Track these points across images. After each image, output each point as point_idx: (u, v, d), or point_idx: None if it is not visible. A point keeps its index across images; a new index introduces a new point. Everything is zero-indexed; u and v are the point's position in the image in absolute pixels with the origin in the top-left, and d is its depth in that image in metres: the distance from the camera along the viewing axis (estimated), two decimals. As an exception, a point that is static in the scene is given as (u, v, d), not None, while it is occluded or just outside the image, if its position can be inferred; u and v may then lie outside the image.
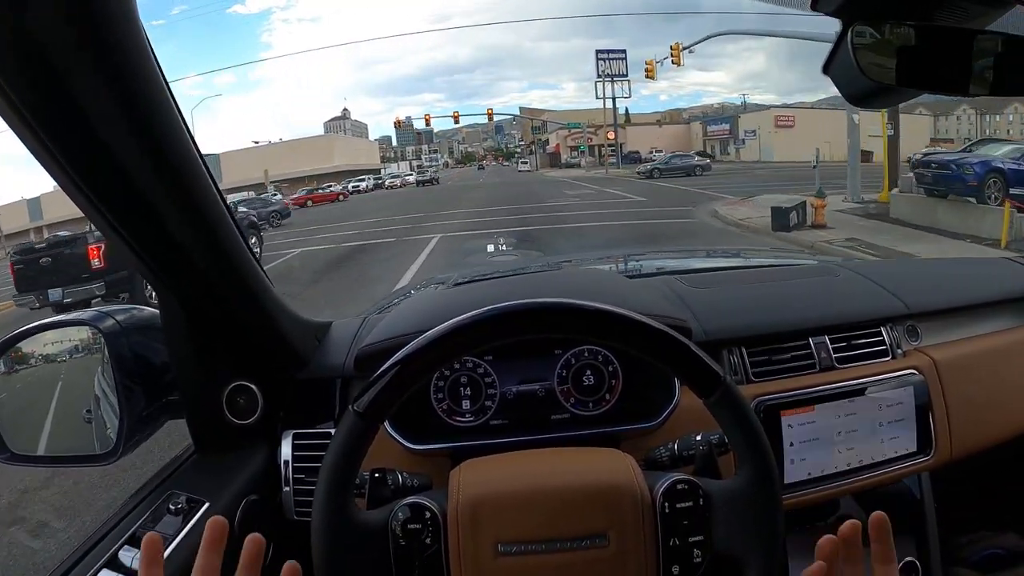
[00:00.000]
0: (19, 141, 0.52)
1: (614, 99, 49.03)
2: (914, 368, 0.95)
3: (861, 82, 0.59)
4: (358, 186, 43.68)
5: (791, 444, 0.88)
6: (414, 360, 0.57)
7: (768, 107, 48.79)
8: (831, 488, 0.89)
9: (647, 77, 25.93)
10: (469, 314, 0.58)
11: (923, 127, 45.22)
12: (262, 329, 0.83)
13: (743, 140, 48.37)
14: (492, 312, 0.57)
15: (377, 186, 45.24)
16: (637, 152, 52.71)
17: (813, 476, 0.88)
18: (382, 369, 0.57)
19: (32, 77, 0.46)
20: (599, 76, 48.22)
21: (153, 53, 0.53)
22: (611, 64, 49.34)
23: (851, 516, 0.95)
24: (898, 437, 0.92)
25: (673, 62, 22.44)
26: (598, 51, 50.71)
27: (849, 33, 0.57)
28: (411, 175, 57.30)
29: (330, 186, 44.51)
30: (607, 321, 0.58)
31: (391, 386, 0.57)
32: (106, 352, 0.77)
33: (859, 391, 0.91)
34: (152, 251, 0.66)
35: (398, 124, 39.26)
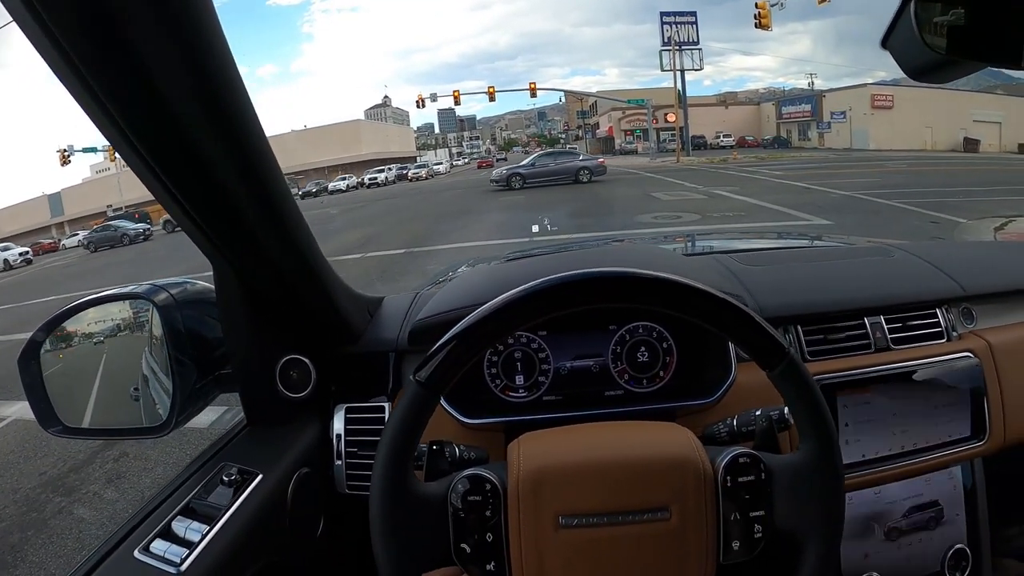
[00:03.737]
0: (85, 114, 0.59)
1: (683, 71, 44.02)
2: (969, 351, 1.02)
3: (923, 55, 0.65)
4: (375, 178, 43.79)
5: (846, 425, 0.96)
6: (475, 331, 0.64)
7: (864, 84, 45.96)
8: (884, 471, 0.96)
9: (760, 27, 24.48)
10: (529, 284, 0.64)
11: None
12: (318, 303, 0.93)
13: (828, 123, 46.86)
14: (554, 281, 0.63)
15: (400, 178, 45.65)
16: (702, 137, 50.85)
17: (867, 458, 0.96)
18: (444, 339, 0.64)
19: (108, 57, 0.54)
20: (664, 44, 43.98)
21: (221, 29, 0.60)
22: (678, 30, 44.91)
23: None
24: (952, 421, 0.99)
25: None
26: (663, 13, 46.23)
27: (912, 5, 0.64)
28: (441, 164, 57.93)
29: (345, 177, 45.10)
30: (670, 290, 0.64)
31: (453, 356, 0.64)
32: (154, 328, 0.88)
33: (914, 373, 0.98)
34: (214, 224, 0.74)
35: (420, 102, 39.38)
